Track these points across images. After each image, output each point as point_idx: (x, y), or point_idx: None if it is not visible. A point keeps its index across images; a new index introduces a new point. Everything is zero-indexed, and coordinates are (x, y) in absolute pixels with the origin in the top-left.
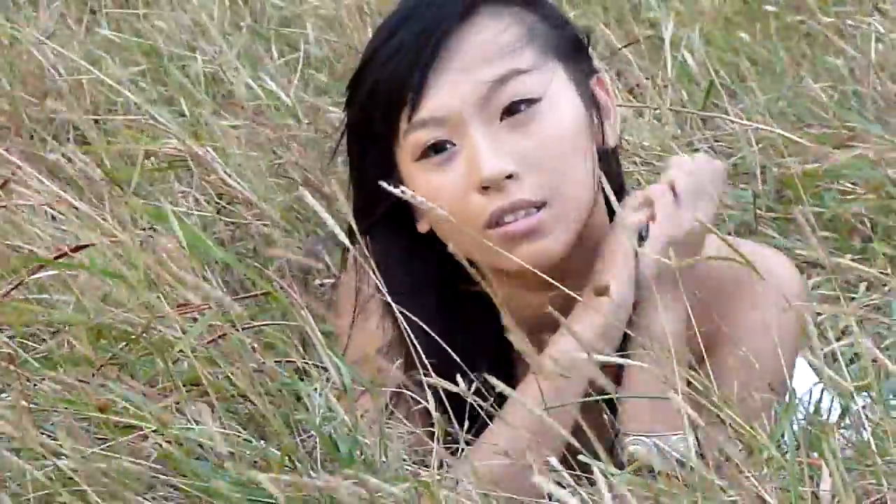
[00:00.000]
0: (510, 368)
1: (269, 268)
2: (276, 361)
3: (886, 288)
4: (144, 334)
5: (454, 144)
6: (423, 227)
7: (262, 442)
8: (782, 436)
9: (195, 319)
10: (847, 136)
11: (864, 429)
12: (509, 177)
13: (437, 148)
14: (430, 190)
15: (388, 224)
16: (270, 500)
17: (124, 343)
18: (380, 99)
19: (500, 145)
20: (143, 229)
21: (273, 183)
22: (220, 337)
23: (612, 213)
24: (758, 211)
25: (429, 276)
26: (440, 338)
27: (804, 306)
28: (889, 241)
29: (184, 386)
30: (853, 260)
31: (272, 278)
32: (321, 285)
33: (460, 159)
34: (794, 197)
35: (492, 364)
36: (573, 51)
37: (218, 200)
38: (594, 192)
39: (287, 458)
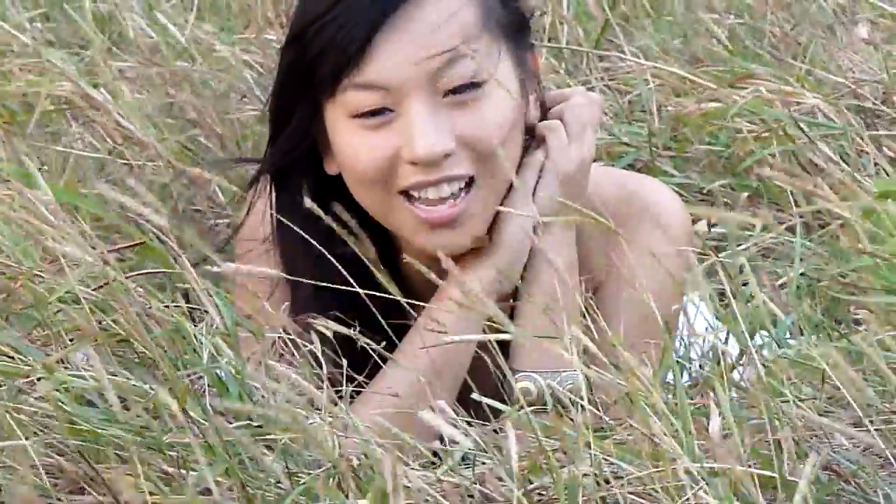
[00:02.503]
0: (404, 317)
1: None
2: (164, 306)
3: (783, 226)
4: (23, 284)
5: (392, 111)
6: (330, 169)
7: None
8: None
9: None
10: (742, 75)
11: (757, 368)
12: (446, 156)
13: (374, 112)
14: (354, 147)
15: (299, 164)
16: (163, 446)
17: (5, 294)
18: (327, 54)
19: (440, 123)
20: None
21: (167, 123)
22: (104, 284)
23: None
24: (654, 149)
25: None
26: (332, 281)
27: (685, 250)
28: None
29: (67, 333)
30: (749, 198)
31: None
32: (215, 225)
33: (395, 127)
34: (689, 135)
35: (386, 309)
36: (519, 29)
37: (112, 141)
38: (518, 159)
39: (177, 400)
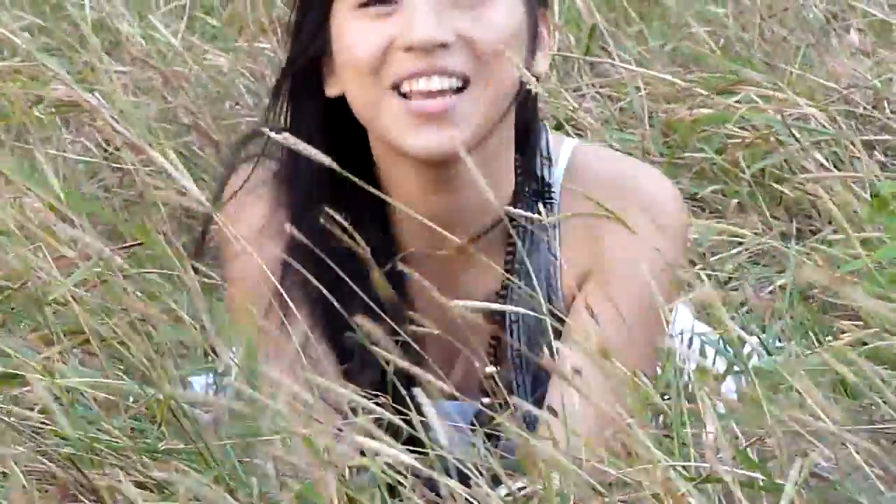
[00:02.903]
0: (401, 279)
1: (156, 214)
2: (163, 311)
3: (774, 232)
4: (23, 286)
5: (395, 2)
6: (331, 91)
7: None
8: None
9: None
10: (733, 82)
11: (748, 375)
12: (443, 46)
13: (378, 2)
14: (355, 37)
15: (304, 90)
16: (157, 451)
17: (3, 295)
18: None
19: (441, 15)
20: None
21: (162, 128)
22: (102, 282)
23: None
24: (646, 155)
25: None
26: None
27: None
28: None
29: (65, 335)
30: (739, 204)
31: (148, 226)
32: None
33: (396, 18)
34: (680, 141)
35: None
36: None
37: (106, 146)
38: (513, 98)
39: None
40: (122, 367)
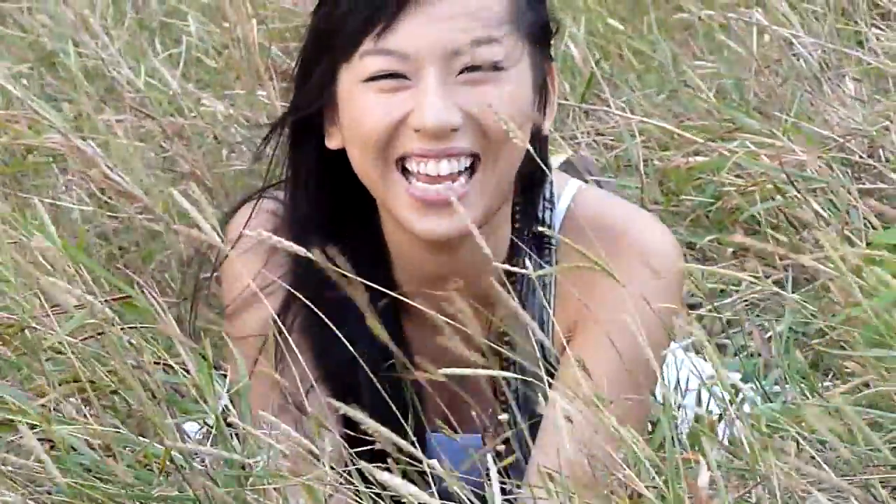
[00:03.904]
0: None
1: (151, 263)
2: (155, 363)
3: (770, 279)
4: (19, 333)
5: (408, 79)
6: (332, 143)
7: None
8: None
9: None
10: (728, 129)
11: (742, 423)
12: (453, 130)
13: (388, 75)
14: (363, 108)
15: (304, 137)
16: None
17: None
18: (353, 15)
19: (452, 97)
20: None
21: (158, 176)
22: (98, 334)
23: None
24: (642, 203)
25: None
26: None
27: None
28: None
29: (60, 385)
30: (734, 253)
31: (135, 280)
32: (205, 278)
33: (407, 94)
34: (675, 189)
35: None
36: (541, 35)
37: (101, 194)
38: (517, 167)
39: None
40: (117, 415)
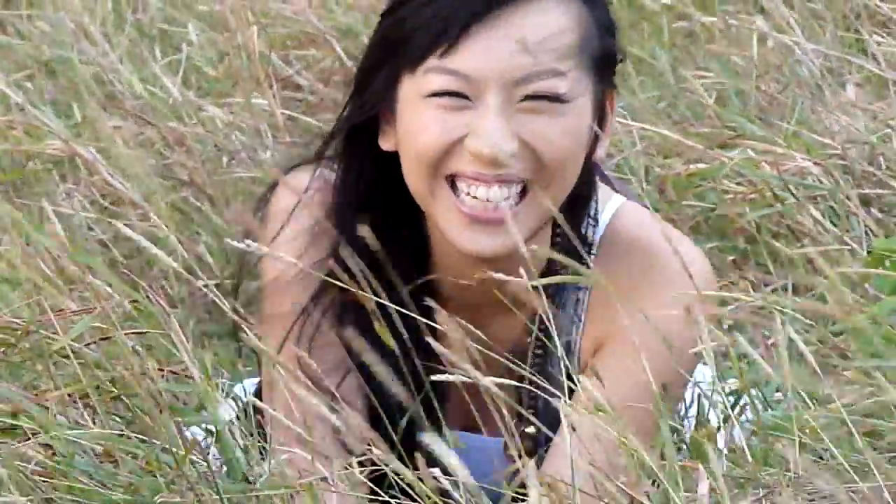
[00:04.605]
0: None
1: (153, 268)
2: (159, 370)
3: (769, 288)
4: (25, 336)
5: (469, 100)
6: (386, 145)
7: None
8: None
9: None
10: (730, 136)
11: (743, 430)
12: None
13: (451, 93)
14: (422, 121)
15: (359, 132)
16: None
17: (5, 347)
18: (422, 31)
19: (510, 124)
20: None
21: (159, 183)
22: (104, 339)
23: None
24: None
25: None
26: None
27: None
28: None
29: (66, 387)
30: (734, 261)
31: (140, 284)
32: (205, 286)
33: (467, 115)
34: (676, 196)
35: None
36: (606, 64)
37: (102, 201)
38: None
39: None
40: (121, 420)
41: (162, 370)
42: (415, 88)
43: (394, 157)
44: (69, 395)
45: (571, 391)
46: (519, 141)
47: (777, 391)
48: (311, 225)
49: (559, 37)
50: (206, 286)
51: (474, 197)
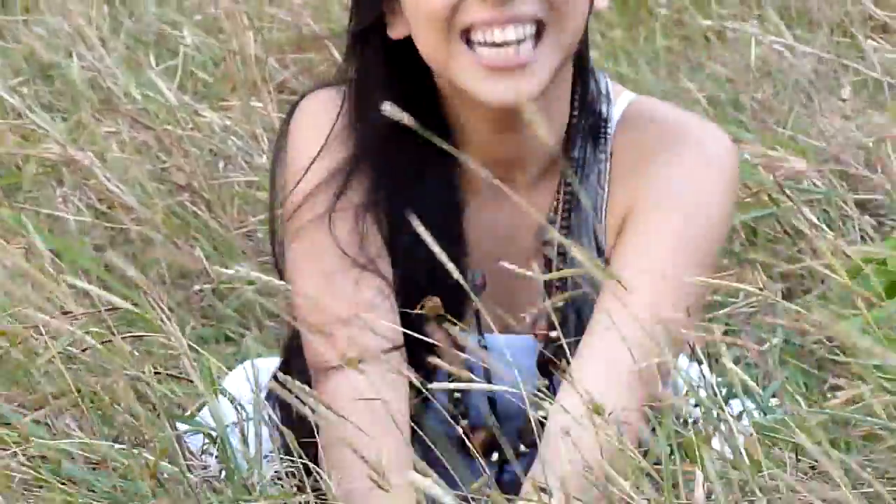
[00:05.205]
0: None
1: (149, 273)
2: (156, 373)
3: (766, 291)
4: (18, 344)
5: None
6: (395, 33)
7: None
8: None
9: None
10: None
11: (738, 434)
12: None
13: None
14: None
15: (367, 32)
16: None
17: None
18: None
19: None
20: (23, 236)
21: (155, 187)
22: (102, 343)
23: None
24: None
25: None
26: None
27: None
28: (766, 247)
29: (55, 398)
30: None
31: (141, 286)
32: (200, 290)
33: None
34: None
35: (441, 214)
36: None
37: (98, 205)
38: (580, 37)
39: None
40: (113, 427)
41: (159, 373)
42: None
43: (405, 49)
44: (62, 403)
45: (606, 260)
46: None
47: (774, 396)
48: (332, 131)
49: None
50: (200, 290)
51: (491, 43)
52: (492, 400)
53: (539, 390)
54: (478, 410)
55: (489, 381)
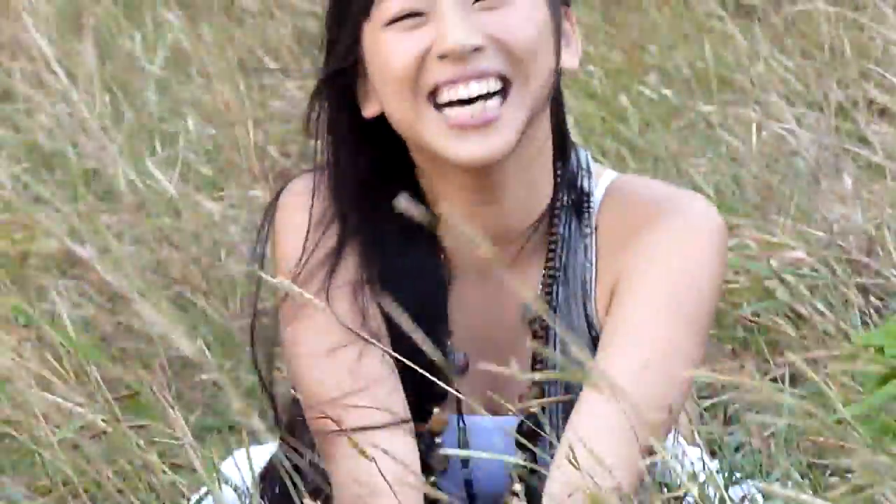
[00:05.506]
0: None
1: (151, 364)
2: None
3: (767, 377)
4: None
5: (424, 15)
6: (368, 112)
7: None
8: None
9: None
10: (728, 227)
11: None
12: (476, 49)
13: (407, 15)
14: (387, 51)
15: (340, 111)
16: None
17: (7, 439)
18: None
19: (470, 20)
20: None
21: (155, 278)
22: (104, 432)
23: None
24: None
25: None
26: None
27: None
28: (770, 332)
29: (64, 485)
30: (733, 350)
31: (144, 379)
32: (200, 379)
33: (428, 27)
34: None
35: (424, 281)
36: None
37: (99, 298)
38: (549, 96)
39: None
40: None
41: (164, 462)
42: (375, 25)
43: (380, 128)
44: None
45: (596, 337)
46: (485, 36)
47: (777, 481)
48: (317, 213)
49: None
50: (201, 378)
51: (457, 101)
52: (468, 482)
53: (519, 465)
54: (452, 491)
55: (465, 466)
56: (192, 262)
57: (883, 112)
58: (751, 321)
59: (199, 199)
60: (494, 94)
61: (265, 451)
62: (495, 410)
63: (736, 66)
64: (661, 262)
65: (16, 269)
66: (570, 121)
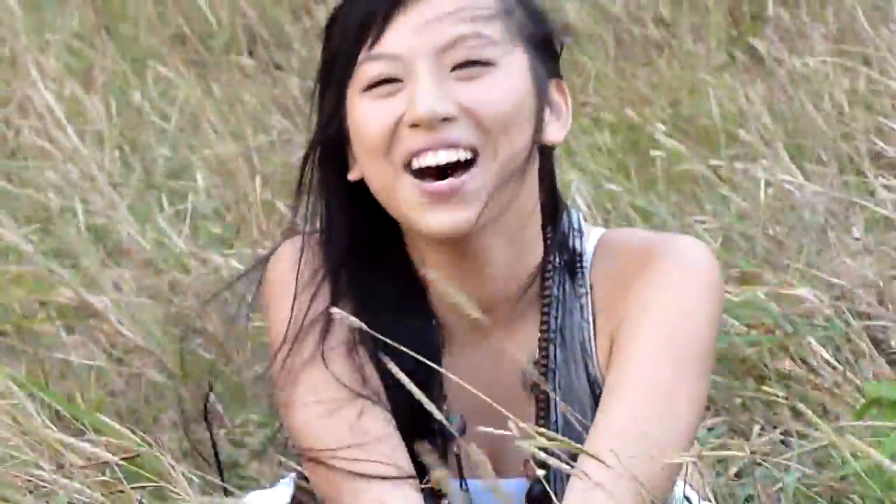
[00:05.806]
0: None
1: (163, 416)
2: None
3: (778, 431)
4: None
5: (401, 81)
6: (352, 175)
7: None
8: None
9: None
10: (736, 279)
11: None
12: (446, 119)
13: (383, 81)
14: (365, 119)
15: (329, 172)
16: None
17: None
18: (347, 34)
19: (445, 90)
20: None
21: (167, 331)
22: (112, 493)
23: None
24: None
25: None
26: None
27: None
28: (782, 382)
29: None
30: (744, 403)
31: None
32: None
33: (402, 95)
34: None
35: (419, 337)
36: (542, 46)
37: (111, 351)
38: (525, 170)
39: None
40: None
41: None
42: (354, 91)
43: (368, 188)
44: None
45: (595, 399)
46: (457, 106)
47: None
48: (308, 273)
49: (476, 4)
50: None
51: (426, 168)
52: None
53: None
54: None
55: None
56: (201, 316)
57: (888, 164)
58: (762, 375)
59: (206, 257)
60: (466, 163)
61: (280, 493)
62: (497, 473)
63: (742, 119)
64: (657, 306)
65: (28, 321)
66: (576, 175)
